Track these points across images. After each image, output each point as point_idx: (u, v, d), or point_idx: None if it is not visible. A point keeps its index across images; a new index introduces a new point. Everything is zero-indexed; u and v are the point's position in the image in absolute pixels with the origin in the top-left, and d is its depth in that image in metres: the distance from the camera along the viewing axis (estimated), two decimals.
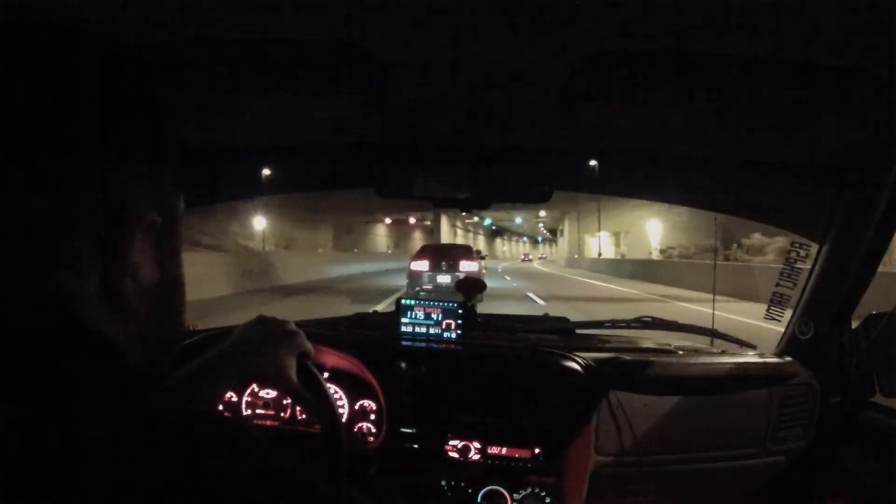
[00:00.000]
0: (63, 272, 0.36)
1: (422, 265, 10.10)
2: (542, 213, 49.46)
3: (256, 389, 1.22)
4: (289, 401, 1.21)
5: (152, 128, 0.42)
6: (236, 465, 0.33)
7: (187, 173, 1.37)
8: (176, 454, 0.31)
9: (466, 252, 11.04)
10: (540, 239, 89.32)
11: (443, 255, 10.36)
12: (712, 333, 1.45)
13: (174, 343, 1.10)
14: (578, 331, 1.59)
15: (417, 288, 9.81)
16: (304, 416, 1.20)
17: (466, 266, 10.00)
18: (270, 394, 1.21)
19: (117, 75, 0.39)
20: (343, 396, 1.19)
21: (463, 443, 1.14)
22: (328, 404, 0.79)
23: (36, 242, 0.35)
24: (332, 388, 1.15)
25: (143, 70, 0.41)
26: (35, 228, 0.35)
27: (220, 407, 1.21)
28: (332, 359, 1.18)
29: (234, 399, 1.22)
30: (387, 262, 29.38)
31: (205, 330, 1.27)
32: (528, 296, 11.68)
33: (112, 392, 0.32)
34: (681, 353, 1.36)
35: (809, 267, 1.25)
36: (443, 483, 1.14)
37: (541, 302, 10.47)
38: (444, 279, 9.63)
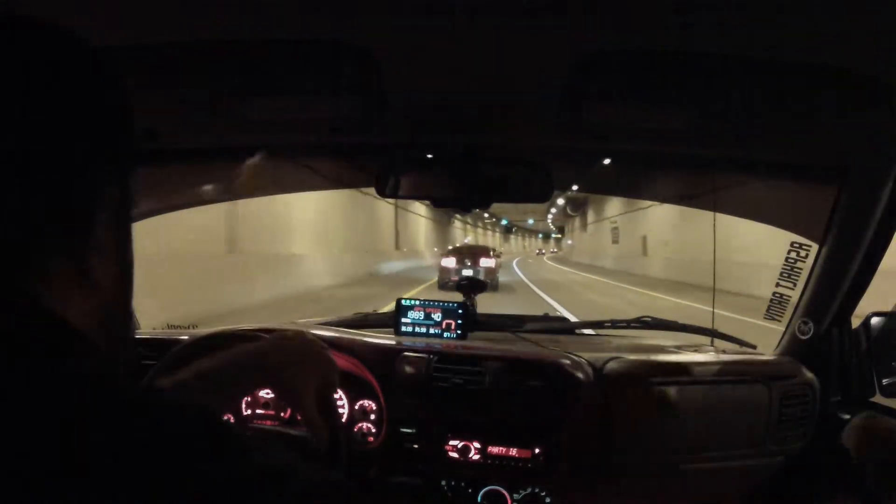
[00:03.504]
0: (34, 279, 0.35)
1: (450, 262, 13.03)
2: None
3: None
4: None
5: (119, 131, 0.41)
6: (238, 465, 0.33)
7: (182, 175, 1.37)
8: (177, 455, 0.31)
9: (485, 251, 14.03)
10: (507, 223, 73.57)
11: (466, 254, 13.37)
12: (712, 333, 1.45)
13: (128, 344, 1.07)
14: (578, 331, 1.59)
15: (446, 280, 12.20)
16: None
17: (485, 262, 12.81)
18: (270, 394, 1.21)
19: (84, 78, 0.39)
20: (343, 396, 1.20)
21: (463, 443, 1.14)
22: (337, 434, 0.79)
23: (6, 250, 0.34)
24: None
25: (132, 73, 0.41)
26: (5, 236, 0.34)
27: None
28: (334, 359, 1.18)
29: None
30: None
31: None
32: None
33: (106, 393, 0.32)
34: (681, 352, 1.36)
35: (809, 267, 1.25)
36: (443, 483, 1.15)
37: None
38: (467, 272, 11.93)
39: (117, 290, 0.42)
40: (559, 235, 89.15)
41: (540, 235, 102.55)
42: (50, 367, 0.31)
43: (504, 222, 73.38)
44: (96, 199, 0.38)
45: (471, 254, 13.25)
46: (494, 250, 15.59)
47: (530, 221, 74.84)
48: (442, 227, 40.52)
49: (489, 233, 72.02)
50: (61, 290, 0.36)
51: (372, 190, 1.24)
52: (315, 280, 11.32)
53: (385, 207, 20.30)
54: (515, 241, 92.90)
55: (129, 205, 0.42)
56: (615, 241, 27.12)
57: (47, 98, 0.35)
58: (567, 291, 13.52)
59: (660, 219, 18.83)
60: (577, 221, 46.47)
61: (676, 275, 15.26)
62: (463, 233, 53.55)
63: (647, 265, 19.77)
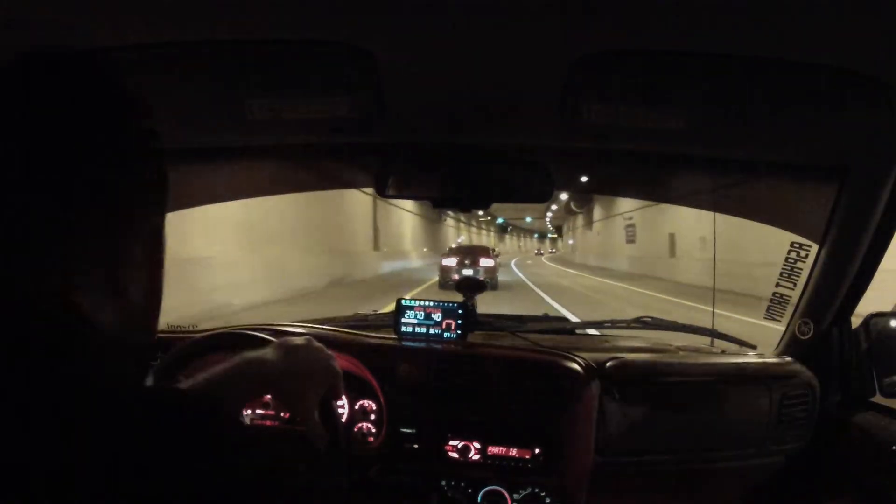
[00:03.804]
0: (59, 278, 0.36)
1: (451, 262, 13.60)
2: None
3: None
4: None
5: (143, 130, 0.43)
6: (244, 466, 0.33)
7: (182, 175, 1.37)
8: (184, 455, 0.31)
9: (484, 251, 14.70)
10: (502, 222, 65.51)
11: (466, 254, 13.98)
12: (712, 333, 1.45)
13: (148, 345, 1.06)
14: (578, 331, 1.59)
15: (447, 280, 12.63)
16: None
17: (484, 262, 13.38)
18: None
19: (104, 81, 0.40)
20: (343, 396, 1.19)
21: (463, 443, 1.14)
22: (337, 435, 0.79)
23: (31, 249, 0.35)
24: None
25: (132, 73, 0.42)
26: (30, 234, 0.35)
27: None
28: (339, 366, 1.18)
29: None
30: None
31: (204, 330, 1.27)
32: None
33: (119, 394, 0.32)
34: (681, 353, 1.36)
35: (809, 267, 1.25)
36: (443, 483, 1.14)
37: None
38: (468, 272, 12.47)
39: (145, 295, 0.42)
40: (555, 235, 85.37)
41: (535, 235, 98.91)
42: (49, 368, 0.31)
43: (500, 221, 67.15)
44: (131, 225, 0.40)
45: (471, 254, 14.03)
46: (493, 250, 16.21)
47: (528, 220, 68.45)
48: (432, 225, 35.15)
49: (483, 232, 67.04)
50: (95, 300, 0.37)
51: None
52: (230, 295, 7.60)
53: (360, 200, 16.28)
54: (510, 241, 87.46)
55: (162, 226, 0.44)
56: (631, 241, 23.37)
57: (80, 114, 0.37)
58: (589, 302, 10.44)
59: (693, 213, 14.40)
60: (581, 219, 41.24)
61: (722, 281, 7.77)
62: (456, 231, 48.13)
63: (677, 268, 16.35)
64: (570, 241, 50.35)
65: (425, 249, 28.16)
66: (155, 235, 0.43)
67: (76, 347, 0.34)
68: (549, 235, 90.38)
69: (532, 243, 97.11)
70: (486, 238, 64.16)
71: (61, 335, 0.34)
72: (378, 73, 0.86)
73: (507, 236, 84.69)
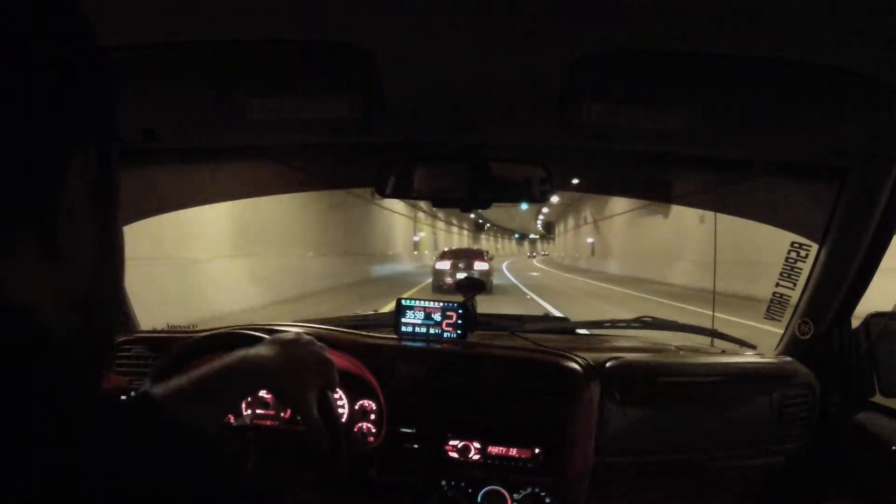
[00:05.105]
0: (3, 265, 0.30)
1: (444, 265, 13.65)
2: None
3: None
4: None
5: (100, 110, 0.36)
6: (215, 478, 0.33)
7: (182, 175, 1.37)
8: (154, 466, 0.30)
9: (479, 255, 14.92)
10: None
11: (460, 257, 14.10)
12: (712, 333, 1.45)
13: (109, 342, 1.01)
14: (578, 331, 1.59)
15: (441, 283, 12.81)
16: None
17: (479, 265, 13.36)
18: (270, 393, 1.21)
19: (66, 50, 0.33)
20: (343, 396, 1.19)
21: (463, 443, 1.14)
22: (337, 434, 0.80)
23: None
24: None
25: (132, 73, 0.39)
26: None
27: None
28: (332, 359, 1.18)
29: None
30: None
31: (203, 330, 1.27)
32: None
33: (71, 397, 0.30)
34: (681, 353, 1.36)
35: (809, 267, 1.25)
36: (443, 483, 1.14)
37: None
38: (461, 275, 12.08)
39: (97, 269, 0.36)
40: (536, 236, 76.65)
41: (516, 236, 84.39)
42: (14, 374, 0.28)
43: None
44: (64, 160, 0.32)
45: (465, 257, 14.41)
46: (488, 253, 16.57)
47: (524, 206, 55.07)
48: (357, 205, 17.76)
49: (455, 228, 51.39)
50: (23, 269, 0.31)
51: None
52: None
53: None
54: (486, 242, 69.33)
55: (111, 172, 0.36)
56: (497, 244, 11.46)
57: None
58: None
59: None
60: (617, 205, 25.04)
61: None
62: (412, 224, 30.98)
63: None
64: (590, 241, 35.15)
65: (310, 254, 13.53)
66: (102, 177, 0.35)
67: (41, 346, 0.30)
68: (531, 236, 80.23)
69: (510, 245, 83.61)
70: (457, 237, 51.84)
71: (23, 332, 0.30)
72: (378, 73, 0.86)
73: (484, 236, 71.15)
